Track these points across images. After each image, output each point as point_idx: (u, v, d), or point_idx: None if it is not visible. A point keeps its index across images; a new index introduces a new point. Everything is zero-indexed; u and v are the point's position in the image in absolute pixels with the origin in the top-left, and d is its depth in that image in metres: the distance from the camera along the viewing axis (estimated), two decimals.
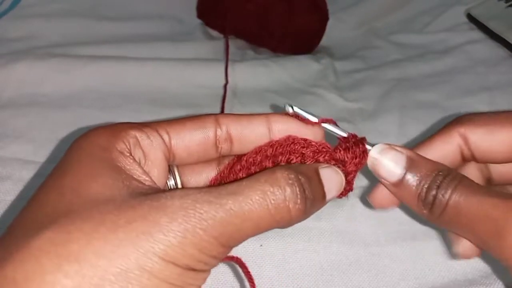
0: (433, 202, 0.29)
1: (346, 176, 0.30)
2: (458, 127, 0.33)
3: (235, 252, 0.43)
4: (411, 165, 0.30)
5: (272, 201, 0.25)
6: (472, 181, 0.29)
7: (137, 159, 0.28)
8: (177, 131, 0.30)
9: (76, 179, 0.25)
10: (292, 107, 0.31)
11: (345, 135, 0.32)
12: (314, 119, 0.31)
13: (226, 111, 0.59)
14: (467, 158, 0.33)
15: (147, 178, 0.27)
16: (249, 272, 0.29)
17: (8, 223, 0.25)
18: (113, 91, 0.63)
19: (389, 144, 0.31)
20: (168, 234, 0.23)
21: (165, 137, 0.29)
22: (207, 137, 0.30)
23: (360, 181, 0.50)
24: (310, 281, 0.42)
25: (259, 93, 0.66)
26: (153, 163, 0.29)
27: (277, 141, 0.30)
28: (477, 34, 0.76)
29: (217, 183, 0.31)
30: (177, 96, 0.64)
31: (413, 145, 0.34)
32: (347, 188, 0.31)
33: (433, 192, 0.29)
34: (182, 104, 0.63)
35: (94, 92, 0.62)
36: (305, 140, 0.30)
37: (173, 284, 0.23)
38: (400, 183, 0.30)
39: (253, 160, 0.30)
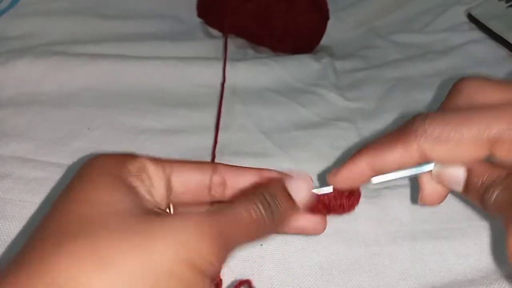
0: (491, 202, 0.30)
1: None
2: (416, 141, 0.32)
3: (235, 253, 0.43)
4: (472, 172, 0.32)
5: (253, 218, 0.29)
6: None
7: (144, 182, 0.31)
8: (178, 167, 0.33)
9: (95, 192, 0.27)
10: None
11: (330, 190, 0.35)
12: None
13: (225, 110, 0.59)
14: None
15: (152, 200, 0.30)
16: None
17: None
18: (113, 89, 0.63)
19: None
20: (189, 241, 0.25)
21: (167, 170, 0.32)
22: (204, 180, 0.33)
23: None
24: (310, 281, 0.42)
25: (259, 92, 0.66)
26: (156, 190, 0.31)
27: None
28: (477, 34, 0.76)
29: None
30: (177, 95, 0.64)
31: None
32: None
33: (491, 194, 0.30)
34: (182, 103, 0.63)
35: (94, 91, 0.62)
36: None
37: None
38: (466, 190, 0.32)
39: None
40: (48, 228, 0.26)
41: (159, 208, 0.31)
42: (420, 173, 0.34)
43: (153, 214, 0.28)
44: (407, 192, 0.49)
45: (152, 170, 0.31)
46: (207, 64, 0.68)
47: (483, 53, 0.72)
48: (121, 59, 0.66)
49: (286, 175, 0.34)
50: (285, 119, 0.61)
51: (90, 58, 0.65)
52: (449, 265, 0.43)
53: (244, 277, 0.41)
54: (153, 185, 0.31)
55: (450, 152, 0.31)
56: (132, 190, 0.28)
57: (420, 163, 0.33)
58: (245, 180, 0.34)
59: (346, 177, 0.34)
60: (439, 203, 0.35)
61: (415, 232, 0.46)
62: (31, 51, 0.65)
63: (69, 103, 0.60)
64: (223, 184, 0.34)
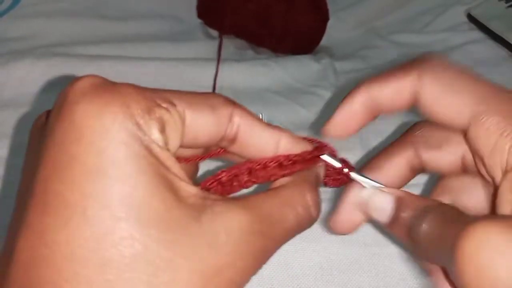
0: (419, 237, 0.27)
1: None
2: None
3: None
4: (399, 204, 0.29)
5: (300, 223, 0.26)
6: (458, 210, 0.27)
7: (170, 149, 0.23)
8: (194, 111, 0.25)
9: (121, 188, 0.20)
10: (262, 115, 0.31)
11: (339, 165, 0.32)
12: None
13: None
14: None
15: (187, 181, 0.23)
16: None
17: (8, 221, 0.24)
18: None
19: (376, 187, 0.31)
20: (232, 265, 0.22)
21: (182, 114, 0.24)
22: (219, 131, 0.26)
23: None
24: (310, 281, 0.42)
25: (259, 93, 0.66)
26: (171, 143, 0.24)
27: (283, 159, 0.30)
28: (477, 34, 0.76)
29: (217, 186, 0.30)
30: None
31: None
32: None
33: (419, 227, 0.27)
34: None
35: None
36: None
37: None
38: (391, 223, 0.30)
39: (261, 176, 0.30)
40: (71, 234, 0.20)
41: (198, 195, 0.23)
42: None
43: (188, 217, 0.22)
44: None
45: (172, 125, 0.23)
46: (208, 65, 0.68)
47: (483, 53, 0.72)
48: (122, 60, 0.66)
49: (317, 151, 0.31)
50: (285, 120, 0.61)
51: (91, 59, 0.65)
52: None
53: None
54: (169, 138, 0.23)
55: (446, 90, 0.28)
56: (165, 179, 0.22)
57: (409, 105, 0.30)
58: (259, 141, 0.29)
59: (341, 122, 0.32)
60: (350, 232, 0.33)
61: None
62: (32, 52, 0.65)
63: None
64: (234, 138, 0.28)
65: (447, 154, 0.32)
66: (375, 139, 0.57)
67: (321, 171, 0.31)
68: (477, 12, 0.77)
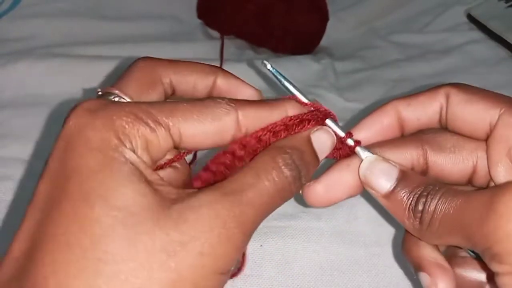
0: (422, 213, 0.29)
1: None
2: (443, 89, 0.33)
3: None
4: (402, 178, 0.30)
5: (279, 186, 0.27)
6: (458, 189, 0.29)
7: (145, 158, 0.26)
8: (191, 125, 0.27)
9: (103, 186, 0.24)
10: (267, 65, 0.33)
11: (342, 135, 0.32)
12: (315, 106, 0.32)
13: None
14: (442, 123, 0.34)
15: (162, 182, 0.26)
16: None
17: (8, 223, 0.25)
18: None
19: (382, 156, 0.31)
20: (213, 248, 0.24)
21: (167, 129, 0.27)
22: (223, 138, 0.28)
23: None
24: (310, 281, 0.42)
25: None
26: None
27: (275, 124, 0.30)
28: (477, 34, 0.76)
29: (208, 176, 0.30)
30: None
31: None
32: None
33: (422, 203, 0.29)
34: None
35: (95, 92, 0.62)
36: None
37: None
38: (390, 195, 0.30)
39: (257, 147, 0.29)
40: (54, 231, 0.23)
41: (175, 192, 0.26)
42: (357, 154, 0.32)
43: (165, 209, 0.24)
44: None
45: (155, 145, 0.26)
46: None
47: (482, 53, 0.72)
48: (121, 61, 0.66)
49: (309, 122, 0.30)
50: None
51: (90, 60, 0.65)
52: None
53: (244, 277, 0.41)
54: (151, 150, 0.26)
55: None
56: (141, 178, 0.25)
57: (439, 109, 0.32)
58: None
59: (373, 125, 0.34)
60: (323, 205, 0.33)
61: None
62: (32, 53, 0.65)
63: (70, 105, 0.60)
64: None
65: (460, 159, 0.32)
66: None
67: (320, 137, 0.31)
68: (477, 12, 0.77)
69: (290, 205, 0.48)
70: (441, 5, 0.83)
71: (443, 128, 0.33)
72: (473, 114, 0.31)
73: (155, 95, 0.30)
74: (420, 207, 0.29)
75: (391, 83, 0.68)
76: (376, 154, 0.32)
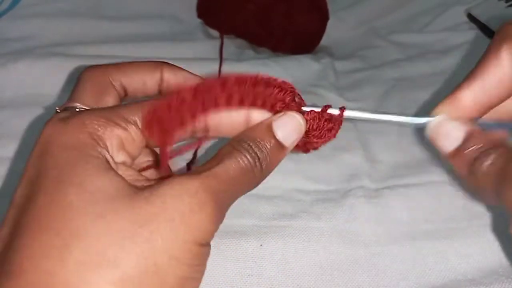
0: (480, 171, 0.30)
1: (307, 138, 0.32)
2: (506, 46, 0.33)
3: (235, 251, 0.43)
4: (469, 136, 0.31)
5: (242, 165, 0.28)
6: None
7: (120, 157, 0.29)
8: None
9: (78, 177, 0.25)
10: None
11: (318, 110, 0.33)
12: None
13: None
14: None
15: (138, 178, 0.29)
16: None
17: None
18: None
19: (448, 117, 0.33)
20: (189, 220, 0.25)
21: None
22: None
23: (360, 180, 0.50)
24: (310, 281, 0.42)
25: None
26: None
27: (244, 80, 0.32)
28: (477, 34, 0.76)
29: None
30: None
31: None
32: (309, 148, 0.33)
33: (485, 162, 0.30)
34: None
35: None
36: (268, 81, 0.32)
37: (194, 264, 0.25)
38: (455, 154, 0.31)
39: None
40: (37, 224, 0.25)
41: (145, 181, 0.28)
42: (409, 123, 0.34)
43: (138, 191, 0.26)
44: (407, 192, 0.49)
45: (129, 143, 0.29)
46: (207, 65, 0.68)
47: (482, 53, 0.72)
48: (121, 60, 0.66)
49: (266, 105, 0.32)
50: None
51: (90, 60, 0.65)
52: (449, 264, 0.43)
53: (244, 277, 0.41)
54: (126, 146, 0.29)
55: None
56: (113, 171, 0.26)
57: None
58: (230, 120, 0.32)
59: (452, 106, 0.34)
60: (477, 114, 0.34)
61: (415, 232, 0.45)
62: (31, 52, 0.65)
63: None
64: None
65: None
66: (375, 139, 0.57)
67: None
68: (477, 12, 0.77)
69: (290, 205, 0.48)
70: (441, 5, 0.83)
71: None
72: None
73: (110, 100, 0.32)
74: (483, 166, 0.29)
75: (391, 82, 0.68)
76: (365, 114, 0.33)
